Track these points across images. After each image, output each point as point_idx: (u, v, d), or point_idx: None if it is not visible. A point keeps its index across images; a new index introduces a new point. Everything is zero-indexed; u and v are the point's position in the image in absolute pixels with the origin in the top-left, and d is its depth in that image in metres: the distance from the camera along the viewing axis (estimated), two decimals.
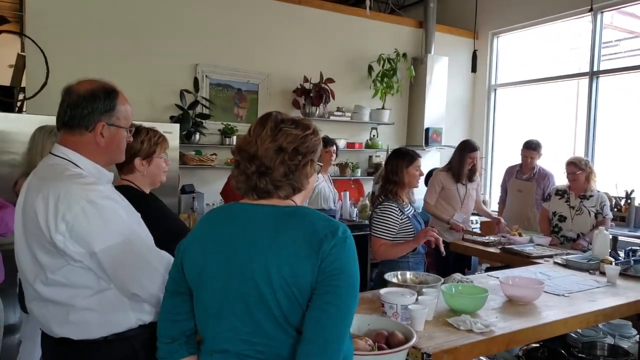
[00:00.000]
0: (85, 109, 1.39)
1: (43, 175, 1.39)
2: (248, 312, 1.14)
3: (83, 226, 1.30)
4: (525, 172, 4.44)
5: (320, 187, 4.22)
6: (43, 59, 3.48)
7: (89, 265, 1.34)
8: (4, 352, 2.49)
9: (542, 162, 4.45)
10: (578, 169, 3.69)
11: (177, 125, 3.83)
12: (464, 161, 3.99)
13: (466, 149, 4.02)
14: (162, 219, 1.92)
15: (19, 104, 3.72)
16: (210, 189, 4.56)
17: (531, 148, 4.31)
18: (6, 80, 3.99)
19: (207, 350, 1.22)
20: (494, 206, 4.99)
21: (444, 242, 3.91)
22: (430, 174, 4.39)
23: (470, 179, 4.08)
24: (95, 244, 1.31)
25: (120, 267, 1.35)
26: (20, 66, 3.99)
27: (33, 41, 3.56)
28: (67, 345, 1.39)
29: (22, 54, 4.03)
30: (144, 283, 1.38)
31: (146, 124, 2.01)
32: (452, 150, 5.52)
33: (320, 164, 1.34)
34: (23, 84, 3.94)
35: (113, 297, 1.39)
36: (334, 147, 4.25)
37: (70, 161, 1.41)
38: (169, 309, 1.28)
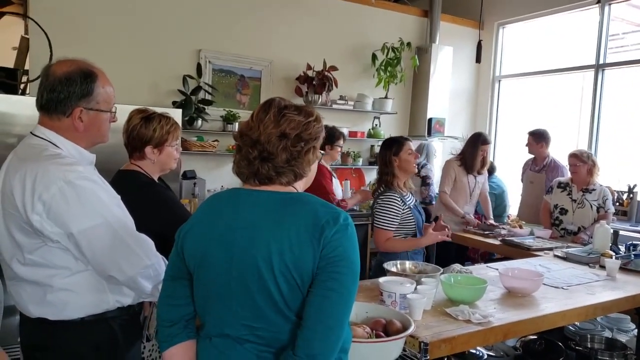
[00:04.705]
0: (61, 94, 1.36)
1: (22, 155, 1.38)
2: (249, 297, 1.14)
3: (60, 207, 1.29)
4: (537, 164, 4.46)
5: None
6: (47, 42, 3.46)
7: (66, 246, 1.34)
8: (5, 332, 2.52)
9: (556, 154, 4.46)
10: (579, 161, 3.68)
11: (180, 111, 3.81)
12: (476, 153, 4.02)
13: (479, 141, 4.04)
14: (168, 207, 1.91)
15: (22, 86, 3.71)
16: (212, 175, 4.56)
17: (534, 136, 4.36)
18: (10, 63, 3.98)
19: (206, 334, 1.23)
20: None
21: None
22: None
23: (481, 171, 4.10)
24: (72, 225, 1.31)
25: (98, 249, 1.34)
26: (23, 48, 3.98)
27: (37, 23, 3.54)
28: (43, 326, 1.39)
29: (26, 36, 4.01)
30: (122, 266, 1.38)
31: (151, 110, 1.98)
32: (455, 141, 5.55)
33: (322, 152, 1.34)
34: (27, 67, 3.94)
35: (91, 278, 1.39)
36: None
37: (50, 142, 1.39)
38: (169, 293, 1.28)
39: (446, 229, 2.62)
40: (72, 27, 4.02)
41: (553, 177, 4.28)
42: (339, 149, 3.88)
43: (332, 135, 3.70)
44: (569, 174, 4.21)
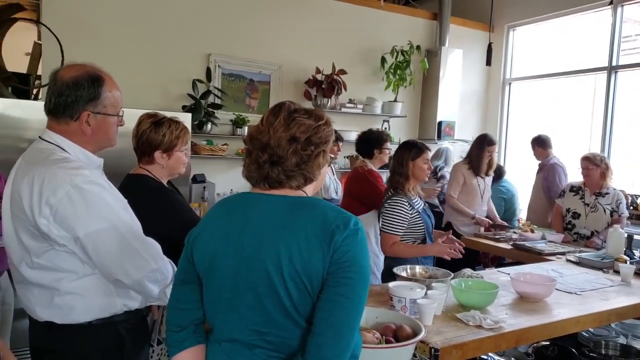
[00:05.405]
0: (68, 97, 1.37)
1: (30, 159, 1.39)
2: (258, 302, 1.14)
3: (67, 211, 1.30)
4: (541, 167, 4.51)
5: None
6: (59, 47, 3.50)
7: (73, 250, 1.34)
8: (16, 335, 2.54)
9: (568, 157, 4.48)
10: (592, 164, 3.64)
11: (189, 115, 3.84)
12: (482, 155, 4.01)
13: (485, 142, 4.03)
14: (176, 210, 1.92)
15: (34, 91, 3.76)
16: (221, 179, 4.58)
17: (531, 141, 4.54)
18: (23, 68, 4.03)
19: (215, 339, 1.22)
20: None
21: (459, 235, 3.94)
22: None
23: (488, 173, 4.08)
24: (78, 229, 1.31)
25: (104, 252, 1.35)
26: (36, 54, 4.03)
27: (49, 29, 3.58)
28: (51, 329, 1.40)
29: (39, 42, 4.06)
30: (128, 269, 1.38)
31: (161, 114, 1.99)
32: (465, 144, 5.51)
33: (332, 155, 1.33)
34: (39, 72, 3.99)
35: (98, 282, 1.39)
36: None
37: (58, 146, 1.40)
38: (178, 298, 1.28)
39: (456, 244, 2.51)
40: (83, 33, 4.07)
41: (546, 177, 4.35)
42: (388, 152, 3.86)
43: (381, 139, 3.70)
44: (565, 174, 4.27)
